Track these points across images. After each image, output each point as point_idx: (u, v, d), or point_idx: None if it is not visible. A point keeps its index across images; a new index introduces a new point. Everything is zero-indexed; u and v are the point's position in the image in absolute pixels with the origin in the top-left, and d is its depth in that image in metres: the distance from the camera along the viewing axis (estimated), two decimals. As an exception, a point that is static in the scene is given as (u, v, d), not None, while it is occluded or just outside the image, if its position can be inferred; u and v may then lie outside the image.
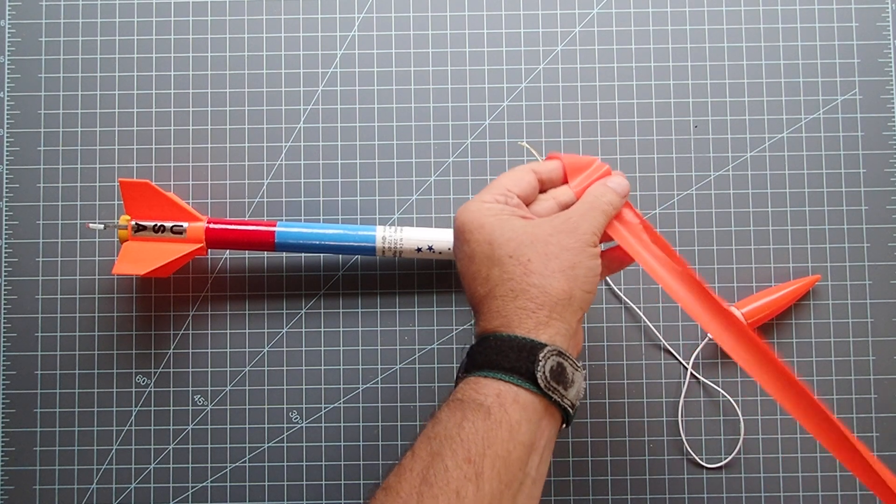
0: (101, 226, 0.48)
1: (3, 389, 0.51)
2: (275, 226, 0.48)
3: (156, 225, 0.47)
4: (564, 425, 0.37)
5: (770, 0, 0.53)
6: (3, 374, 0.51)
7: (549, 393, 0.35)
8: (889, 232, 0.52)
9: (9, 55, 0.52)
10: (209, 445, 0.50)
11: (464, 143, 0.52)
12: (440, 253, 0.49)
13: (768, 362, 0.39)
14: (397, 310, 0.51)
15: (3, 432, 0.51)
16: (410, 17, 0.53)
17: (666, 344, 0.51)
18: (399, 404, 0.51)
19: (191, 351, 0.51)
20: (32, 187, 0.52)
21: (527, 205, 0.41)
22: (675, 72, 0.53)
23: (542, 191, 0.42)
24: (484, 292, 0.38)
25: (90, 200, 0.52)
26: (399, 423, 0.51)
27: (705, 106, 0.52)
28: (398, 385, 0.51)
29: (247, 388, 0.51)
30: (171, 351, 0.51)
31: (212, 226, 0.48)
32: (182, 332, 0.51)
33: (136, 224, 0.47)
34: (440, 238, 0.49)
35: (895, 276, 0.52)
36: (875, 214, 0.52)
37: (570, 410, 0.36)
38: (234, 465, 0.50)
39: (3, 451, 0.50)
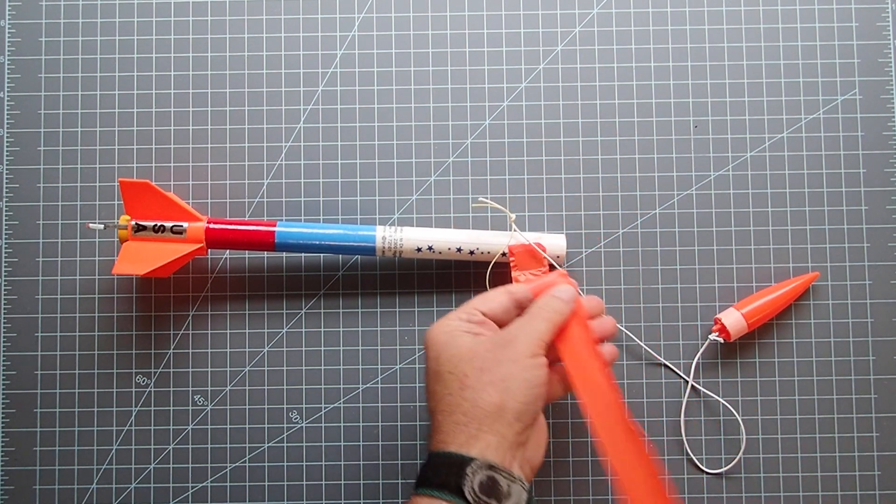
0: (101, 226, 0.48)
1: (3, 389, 0.51)
2: (275, 226, 0.48)
3: (156, 225, 0.47)
4: None
5: (770, 0, 0.53)
6: (3, 374, 0.51)
7: None
8: (889, 232, 0.52)
9: (9, 55, 0.52)
10: (209, 445, 0.50)
11: (464, 143, 0.52)
12: (440, 253, 0.49)
13: None
14: (397, 310, 0.51)
15: (3, 432, 0.51)
16: (410, 17, 0.53)
17: (666, 362, 0.51)
18: (399, 404, 0.51)
19: (191, 351, 0.51)
20: (32, 187, 0.52)
21: (500, 325, 0.42)
22: (675, 72, 0.53)
23: (521, 309, 0.43)
24: (431, 407, 0.40)
25: (90, 200, 0.52)
26: (399, 423, 0.51)
27: (705, 106, 0.52)
28: (398, 385, 0.51)
29: (247, 388, 0.51)
30: (171, 351, 0.51)
31: (212, 226, 0.48)
32: (182, 332, 0.51)
33: (136, 224, 0.47)
34: (440, 238, 0.49)
35: (895, 276, 0.52)
36: (875, 214, 0.52)
37: None
38: (234, 465, 0.50)
39: (3, 451, 0.50)
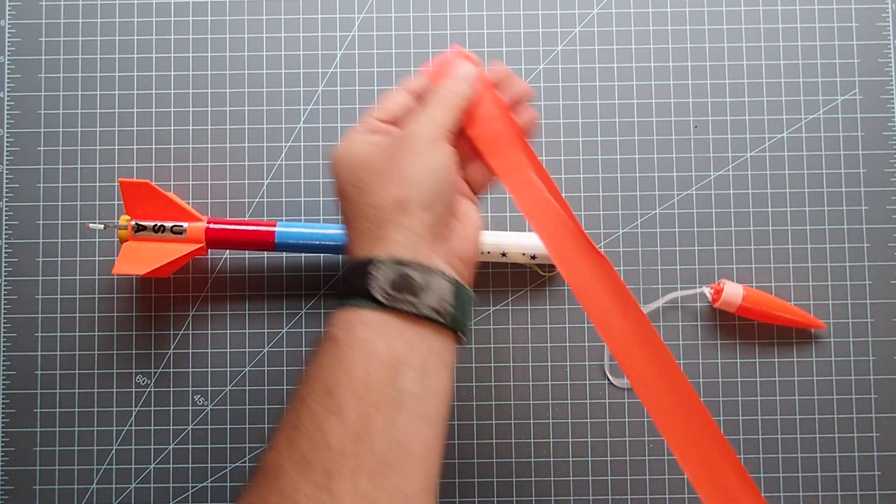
0: (101, 226, 0.48)
1: (3, 389, 0.51)
2: (275, 226, 0.48)
3: (156, 225, 0.47)
4: (460, 335, 0.36)
5: (770, 0, 0.53)
6: (3, 374, 0.51)
7: (396, 305, 0.33)
8: (889, 232, 0.52)
9: (9, 55, 0.52)
10: (209, 445, 0.50)
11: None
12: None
13: (642, 330, 0.37)
14: (397, 310, 0.51)
15: (3, 432, 0.51)
16: (410, 17, 0.53)
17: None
18: (399, 404, 0.51)
19: (191, 351, 0.51)
20: (32, 187, 0.52)
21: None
22: (675, 72, 0.53)
23: None
24: (345, 227, 0.37)
25: (90, 200, 0.52)
26: (399, 423, 0.51)
27: (705, 106, 0.52)
28: (398, 385, 0.51)
29: (247, 388, 0.51)
30: (171, 351, 0.51)
31: (212, 226, 0.48)
32: (182, 332, 0.51)
33: (136, 224, 0.47)
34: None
35: (895, 276, 0.52)
36: (875, 214, 0.52)
37: (439, 318, 0.34)
38: (233, 466, 0.50)
39: (3, 451, 0.50)
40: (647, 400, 0.37)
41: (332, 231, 0.48)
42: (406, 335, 0.34)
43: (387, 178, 0.36)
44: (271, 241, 0.48)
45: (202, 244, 0.47)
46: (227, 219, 0.50)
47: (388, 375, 0.33)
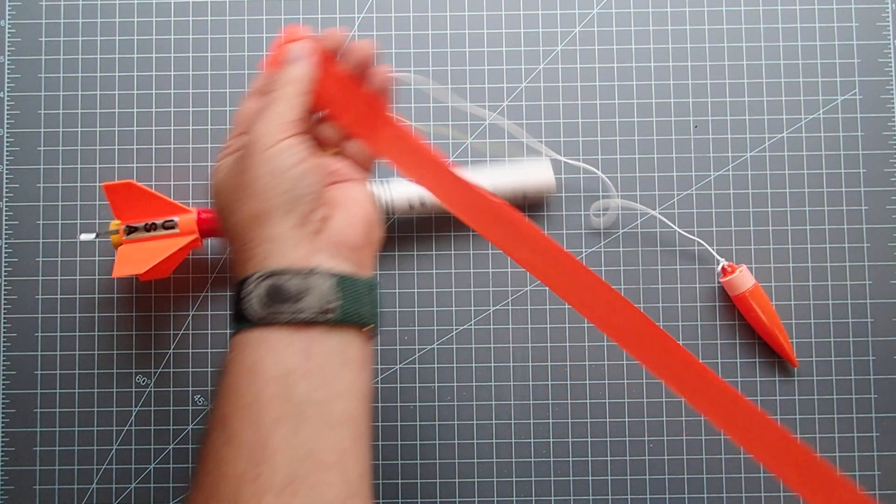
0: (93, 235, 0.48)
1: (3, 389, 0.51)
2: None
3: (147, 224, 0.47)
4: (368, 329, 0.35)
5: (770, 0, 0.53)
6: (3, 374, 0.51)
7: (275, 318, 0.32)
8: (889, 232, 0.52)
9: (9, 55, 0.52)
10: (209, 445, 0.50)
11: (464, 143, 0.52)
12: (431, 208, 0.49)
13: (552, 253, 0.37)
14: (397, 309, 0.51)
15: (3, 432, 0.51)
16: (410, 17, 0.53)
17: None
18: (399, 404, 0.51)
19: (191, 351, 0.51)
20: (32, 187, 0.52)
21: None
22: (675, 72, 0.53)
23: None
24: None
25: (90, 200, 0.52)
26: (399, 423, 0.51)
27: (705, 106, 0.52)
28: (398, 385, 0.51)
29: (247, 388, 0.51)
30: (171, 351, 0.51)
31: (203, 215, 0.47)
32: (182, 332, 0.51)
33: (127, 227, 0.47)
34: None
35: (895, 276, 0.52)
36: (875, 214, 0.52)
37: (327, 316, 0.33)
38: (234, 465, 0.50)
39: (3, 451, 0.50)
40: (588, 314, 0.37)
41: None
42: (296, 345, 0.32)
43: (242, 194, 0.34)
44: None
45: (196, 235, 0.47)
46: None
47: (281, 391, 0.31)
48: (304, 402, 0.32)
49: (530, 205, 0.51)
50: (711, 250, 0.51)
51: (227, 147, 0.37)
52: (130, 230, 0.47)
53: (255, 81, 0.39)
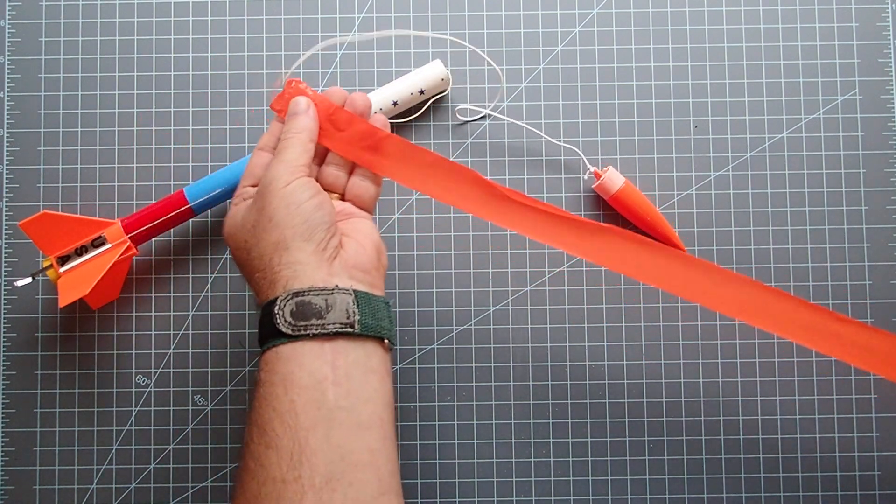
0: (29, 279, 0.47)
1: (3, 389, 0.51)
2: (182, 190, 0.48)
3: (78, 248, 0.47)
4: (387, 342, 0.38)
5: (770, 0, 0.53)
6: (3, 374, 0.51)
7: (304, 332, 0.36)
8: (889, 232, 0.52)
9: (9, 55, 0.52)
10: (209, 445, 0.50)
11: (464, 143, 0.52)
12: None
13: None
14: (397, 309, 0.51)
15: (3, 432, 0.51)
16: (410, 17, 0.53)
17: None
18: (399, 404, 0.51)
19: (191, 351, 0.51)
20: (32, 187, 0.52)
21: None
22: (675, 72, 0.53)
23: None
24: (251, 290, 0.40)
25: (90, 200, 0.52)
26: (399, 424, 0.51)
27: (705, 106, 0.52)
28: (398, 385, 0.51)
29: (247, 388, 0.51)
30: (171, 351, 0.51)
31: (127, 221, 0.47)
32: (182, 332, 0.51)
33: (59, 258, 0.46)
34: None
35: (895, 276, 0.52)
36: (875, 214, 0.52)
37: (350, 329, 0.36)
38: (234, 465, 0.50)
39: (3, 451, 0.50)
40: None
41: (241, 164, 0.47)
42: (325, 356, 0.36)
43: (262, 229, 0.38)
44: (184, 202, 0.47)
45: (127, 241, 0.47)
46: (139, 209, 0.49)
47: (314, 398, 0.35)
48: (333, 409, 0.35)
49: (431, 98, 0.51)
50: (580, 153, 0.51)
51: (238, 196, 0.42)
52: (63, 260, 0.46)
53: (261, 139, 0.43)
